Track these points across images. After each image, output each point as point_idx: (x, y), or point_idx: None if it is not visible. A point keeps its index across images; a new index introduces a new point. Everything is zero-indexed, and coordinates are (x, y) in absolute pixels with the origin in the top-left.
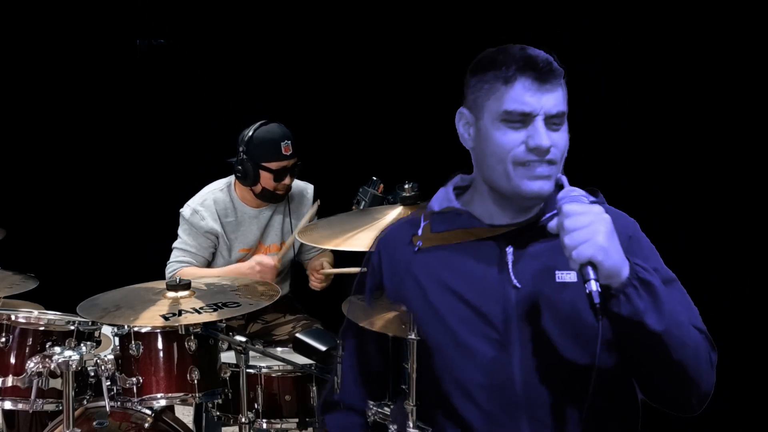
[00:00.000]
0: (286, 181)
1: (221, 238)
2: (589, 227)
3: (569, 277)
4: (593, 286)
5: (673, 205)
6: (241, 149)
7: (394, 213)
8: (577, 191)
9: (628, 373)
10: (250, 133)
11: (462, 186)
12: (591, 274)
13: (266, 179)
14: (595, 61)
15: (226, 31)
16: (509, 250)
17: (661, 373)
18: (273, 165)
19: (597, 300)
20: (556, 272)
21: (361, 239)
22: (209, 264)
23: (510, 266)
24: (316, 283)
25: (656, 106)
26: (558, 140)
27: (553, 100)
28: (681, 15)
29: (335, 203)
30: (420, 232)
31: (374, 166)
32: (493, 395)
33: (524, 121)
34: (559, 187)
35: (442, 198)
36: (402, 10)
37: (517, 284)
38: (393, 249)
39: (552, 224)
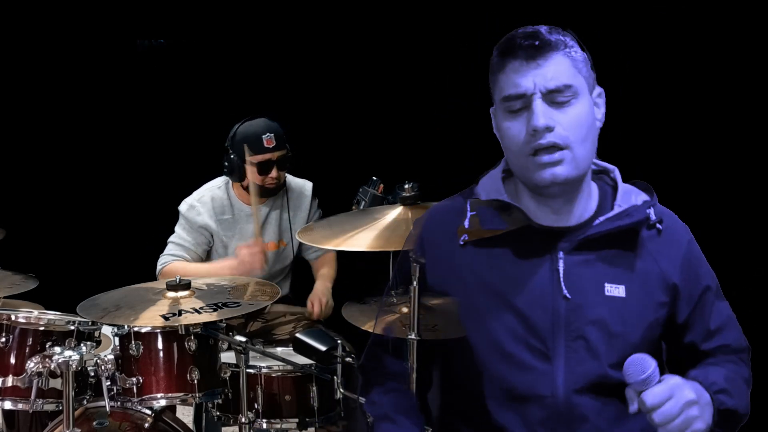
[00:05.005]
0: (273, 174)
1: (216, 235)
2: (682, 417)
3: (618, 291)
4: None
5: (670, 207)
6: (227, 145)
7: (394, 213)
8: (648, 362)
9: None
10: (235, 129)
11: (509, 169)
12: None
13: (252, 173)
14: (600, 63)
15: (226, 31)
16: (560, 256)
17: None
18: (256, 158)
19: None
20: (605, 284)
21: (361, 239)
22: (202, 261)
23: (561, 275)
24: (315, 313)
25: (652, 108)
26: (565, 118)
27: (550, 73)
28: (681, 18)
29: (335, 203)
30: (467, 224)
31: (374, 166)
32: (534, 406)
33: (525, 105)
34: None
35: (490, 187)
36: (402, 11)
37: (568, 295)
38: (437, 237)
39: (633, 408)
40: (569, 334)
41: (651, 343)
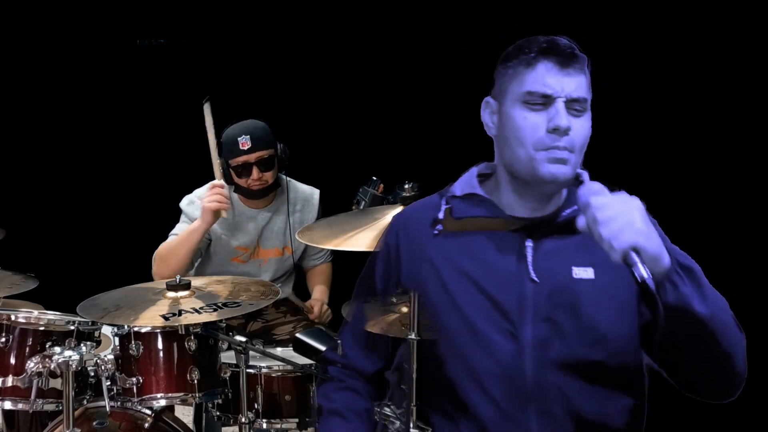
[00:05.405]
0: (254, 175)
1: (214, 233)
2: (624, 214)
3: (585, 273)
4: (643, 272)
5: (670, 207)
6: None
7: (394, 213)
8: (597, 185)
9: (666, 365)
10: (222, 133)
11: (486, 173)
12: (636, 259)
13: (234, 176)
14: (592, 66)
15: (226, 31)
16: (529, 243)
17: (707, 359)
18: (234, 162)
19: (652, 285)
20: (573, 268)
21: (361, 239)
22: (201, 254)
23: (529, 260)
24: (312, 317)
25: (652, 108)
26: (578, 127)
27: (575, 84)
28: (681, 18)
29: (335, 203)
30: (441, 215)
31: (374, 166)
32: (503, 385)
33: (545, 104)
34: (580, 183)
35: (465, 183)
36: (402, 11)
37: (535, 278)
38: (411, 230)
39: (581, 223)
40: (536, 316)
41: (626, 327)
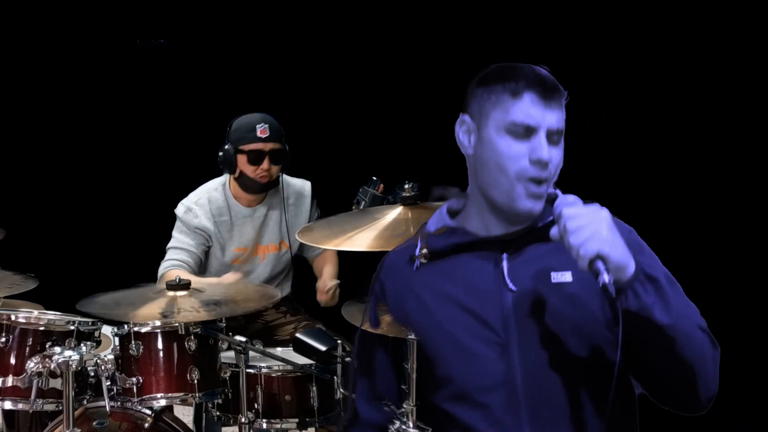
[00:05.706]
0: (264, 165)
1: (214, 237)
2: (591, 224)
3: (564, 277)
4: (606, 278)
5: (670, 207)
6: (226, 138)
7: (394, 213)
8: (572, 197)
9: (635, 373)
10: (233, 121)
11: (456, 210)
12: (602, 267)
13: (243, 163)
14: (592, 66)
15: (226, 31)
16: (504, 256)
17: (671, 369)
18: (247, 147)
19: (613, 290)
20: (552, 273)
21: (361, 239)
22: (202, 263)
23: (505, 271)
24: (322, 297)
25: (653, 108)
26: (555, 156)
27: (556, 117)
28: (681, 18)
29: (335, 203)
30: (417, 252)
31: (374, 166)
32: (495, 397)
33: (527, 134)
34: (553, 200)
35: (437, 219)
36: (401, 12)
37: (513, 287)
38: (394, 273)
39: (553, 232)
40: (520, 323)
41: (607, 327)
